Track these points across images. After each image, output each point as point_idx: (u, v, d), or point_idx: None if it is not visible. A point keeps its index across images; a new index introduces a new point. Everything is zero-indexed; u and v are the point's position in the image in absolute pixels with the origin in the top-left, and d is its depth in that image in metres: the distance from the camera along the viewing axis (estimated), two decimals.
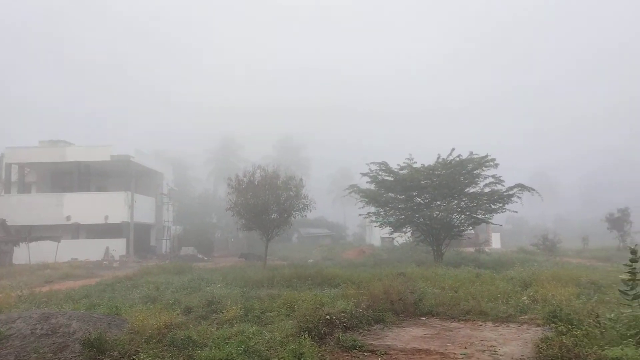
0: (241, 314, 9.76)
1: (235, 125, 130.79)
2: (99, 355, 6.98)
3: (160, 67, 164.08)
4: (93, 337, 7.27)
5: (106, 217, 35.14)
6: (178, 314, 9.50)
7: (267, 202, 22.90)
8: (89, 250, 32.56)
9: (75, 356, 7.10)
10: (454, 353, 7.29)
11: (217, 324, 9.20)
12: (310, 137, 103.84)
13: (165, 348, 7.29)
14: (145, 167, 39.36)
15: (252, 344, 7.16)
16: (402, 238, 34.35)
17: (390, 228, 26.98)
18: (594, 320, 7.82)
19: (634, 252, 6.79)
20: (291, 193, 23.54)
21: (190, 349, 7.18)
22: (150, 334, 7.83)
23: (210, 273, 18.60)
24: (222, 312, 9.86)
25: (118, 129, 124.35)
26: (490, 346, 7.65)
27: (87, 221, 35.33)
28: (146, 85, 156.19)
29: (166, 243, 42.02)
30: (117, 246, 34.10)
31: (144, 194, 39.54)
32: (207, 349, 7.08)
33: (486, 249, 35.68)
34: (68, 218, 34.91)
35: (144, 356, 6.65)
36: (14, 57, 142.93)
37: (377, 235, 49.48)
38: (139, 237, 37.87)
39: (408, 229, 28.06)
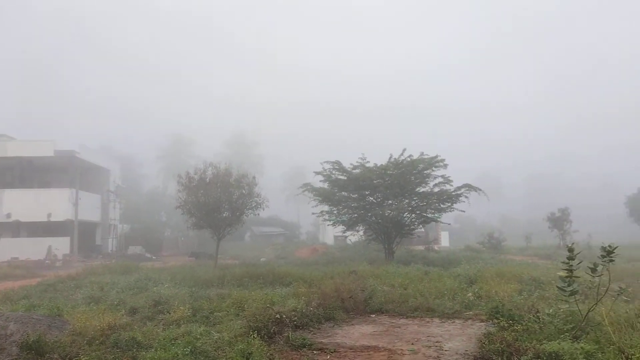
0: (189, 314, 9.58)
1: (187, 121, 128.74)
2: (37, 358, 6.69)
3: (107, 59, 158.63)
4: (32, 339, 6.96)
5: (49, 215, 33.74)
6: (123, 315, 9.24)
7: (218, 200, 22.59)
8: (31, 250, 31.17)
9: (13, 359, 6.78)
10: (402, 349, 7.42)
11: (163, 324, 9.00)
12: (264, 135, 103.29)
13: (109, 350, 7.07)
14: (91, 163, 38.01)
15: (200, 344, 7.04)
16: (355, 236, 34.68)
17: (343, 227, 27.23)
18: (533, 316, 8.13)
19: (571, 250, 7.10)
20: (244, 191, 23.33)
21: (134, 350, 6.99)
22: (93, 336, 7.58)
23: (158, 273, 18.18)
24: (169, 313, 9.64)
25: (63, 125, 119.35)
26: (437, 342, 7.84)
27: (29, 219, 33.80)
28: (97, 79, 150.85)
29: (112, 242, 40.75)
30: (61, 245, 32.78)
31: (90, 191, 38.21)
32: (153, 350, 6.90)
33: (435, 247, 36.60)
34: (8, 215, 33.31)
35: (86, 358, 6.44)
36: None
37: (331, 233, 49.77)
38: (84, 235, 36.61)
39: (360, 228, 28.38)
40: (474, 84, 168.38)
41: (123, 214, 43.28)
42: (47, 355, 6.73)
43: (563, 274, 7.22)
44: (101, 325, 7.90)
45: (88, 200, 37.05)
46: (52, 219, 33.84)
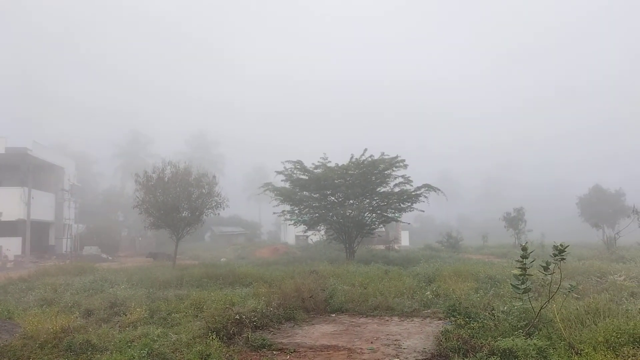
0: (146, 315, 9.39)
1: (147, 120, 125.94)
2: None
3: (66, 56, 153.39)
4: None
5: None
6: (77, 317, 8.97)
7: (177, 200, 22.19)
8: None
9: None
10: (361, 348, 7.48)
11: (119, 326, 8.78)
12: (225, 137, 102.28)
13: (62, 353, 6.87)
14: (44, 161, 36.65)
15: (157, 346, 6.92)
16: (316, 236, 34.80)
17: (305, 226, 27.24)
18: (489, 313, 8.36)
19: (524, 249, 7.32)
20: (204, 190, 23.00)
21: (89, 353, 6.82)
22: (45, 339, 7.34)
23: (114, 274, 17.72)
24: (126, 315, 9.42)
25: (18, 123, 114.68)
26: (395, 340, 7.94)
27: None
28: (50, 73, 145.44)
29: (67, 242, 39.42)
30: (12, 245, 31.49)
31: (43, 190, 36.83)
32: (108, 353, 6.75)
33: (396, 247, 37.07)
34: None
35: None
36: None
37: (292, 233, 49.75)
38: (37, 235, 35.29)
39: (322, 227, 28.49)
40: (435, 92, 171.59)
41: (78, 213, 41.92)
42: None
43: (517, 272, 7.44)
44: (54, 328, 7.64)
45: (41, 199, 35.72)
46: (3, 218, 32.46)
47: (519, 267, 7.35)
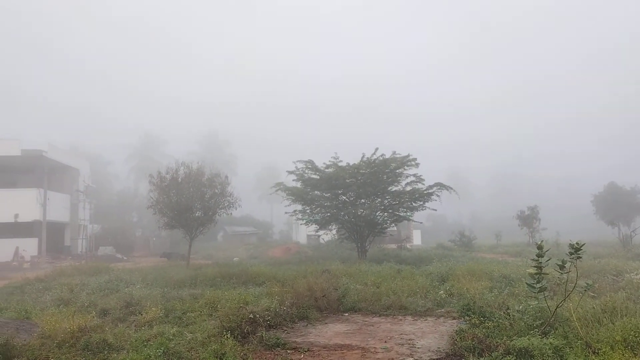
0: (161, 315, 9.46)
1: (160, 120, 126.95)
2: None
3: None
4: None
5: (16, 216, 32.80)
6: (93, 317, 9.05)
7: (190, 200, 22.36)
8: None
9: None
10: (375, 347, 7.48)
11: (135, 326, 8.87)
12: (236, 134, 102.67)
13: (79, 352, 6.95)
14: (60, 163, 37.08)
15: (173, 345, 6.98)
16: (328, 235, 34.79)
17: (316, 226, 27.26)
18: (504, 313, 8.30)
19: (540, 247, 7.26)
20: (216, 191, 23.15)
21: (106, 352, 6.89)
22: (63, 338, 7.42)
23: (129, 273, 17.89)
24: (141, 314, 9.51)
25: (29, 115, 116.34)
26: (409, 339, 7.92)
27: None
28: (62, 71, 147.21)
29: (82, 243, 39.88)
30: (28, 246, 31.89)
31: (58, 191, 37.26)
32: (124, 352, 6.82)
33: (408, 246, 36.94)
34: None
35: None
36: None
37: (304, 232, 49.80)
38: (53, 236, 35.70)
39: (333, 227, 28.48)
40: (445, 87, 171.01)
41: (93, 214, 42.34)
42: (16, 358, 6.59)
43: (532, 271, 7.39)
44: (71, 328, 7.73)
45: (57, 200, 36.14)
46: (20, 219, 32.92)
47: (535, 266, 7.30)
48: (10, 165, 35.68)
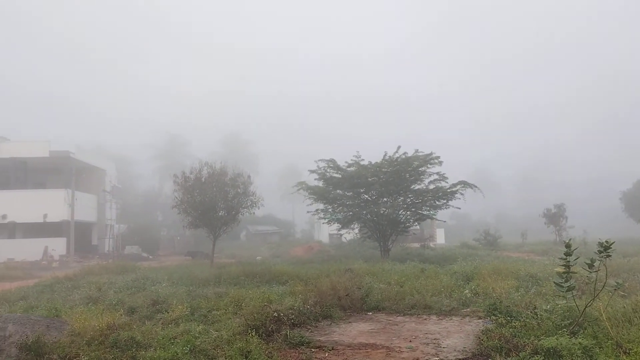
0: (187, 313, 9.57)
1: (183, 116, 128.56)
2: (37, 359, 6.67)
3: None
4: (31, 340, 6.95)
5: (45, 216, 33.61)
6: (121, 315, 9.19)
7: (214, 200, 22.57)
8: (27, 250, 31.00)
9: None
10: (399, 347, 7.44)
11: (162, 323, 8.98)
12: (259, 134, 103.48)
13: (108, 350, 7.06)
14: (87, 164, 37.87)
15: (199, 343, 7.05)
16: (350, 234, 34.76)
17: (338, 224, 27.24)
18: (531, 312, 8.18)
19: (568, 246, 7.14)
20: (239, 190, 23.31)
21: (134, 350, 6.98)
22: (92, 336, 7.54)
23: (155, 272, 18.16)
24: (168, 312, 9.62)
25: (57, 118, 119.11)
26: (434, 339, 7.86)
27: (25, 220, 33.64)
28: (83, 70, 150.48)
29: (109, 242, 40.60)
30: (57, 246, 32.67)
31: (86, 192, 38.06)
32: (152, 349, 6.91)
33: (431, 245, 36.65)
34: (4, 217, 33.14)
35: (85, 359, 6.43)
36: None
37: (326, 231, 49.80)
38: (80, 236, 36.46)
39: (356, 226, 28.43)
40: (470, 79, 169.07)
41: (119, 213, 43.10)
42: (47, 356, 6.72)
43: (560, 270, 7.27)
44: (100, 325, 7.86)
45: (84, 200, 36.91)
46: (48, 219, 33.71)
47: (563, 265, 7.18)
48: (39, 166, 36.59)
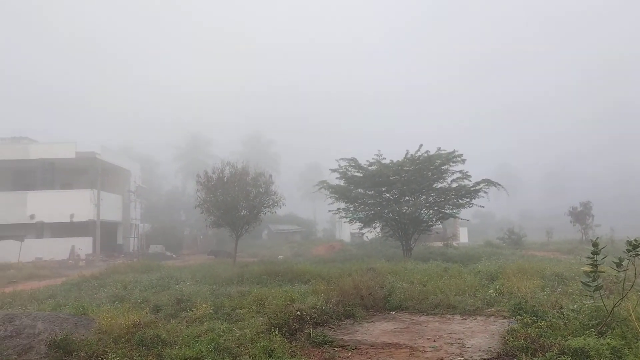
0: (211, 311, 9.66)
1: (204, 114, 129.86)
2: (65, 356, 6.82)
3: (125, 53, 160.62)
4: (59, 337, 7.10)
5: (71, 216, 34.30)
6: (147, 313, 9.32)
7: (236, 199, 22.76)
8: (54, 250, 31.71)
9: (41, 357, 6.93)
10: (423, 346, 7.40)
11: (186, 322, 9.09)
12: (281, 126, 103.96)
13: (134, 347, 7.17)
14: (112, 164, 38.52)
15: (223, 341, 7.12)
16: (372, 233, 34.62)
17: (360, 223, 27.18)
18: (557, 312, 8.05)
19: (595, 244, 7.01)
20: (261, 189, 23.47)
21: (159, 347, 7.08)
22: (119, 334, 7.67)
23: (179, 271, 18.38)
24: (192, 310, 9.74)
25: (81, 120, 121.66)
26: (458, 339, 7.79)
27: (52, 220, 34.40)
28: (107, 71, 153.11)
29: (134, 241, 41.28)
30: (83, 245, 33.32)
31: (111, 192, 38.72)
32: (177, 347, 6.99)
33: (454, 243, 36.33)
34: (32, 217, 33.91)
35: (112, 356, 6.52)
36: None
37: (347, 230, 49.73)
38: (106, 235, 37.09)
39: (377, 225, 28.30)
40: (495, 80, 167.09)
41: (144, 213, 43.80)
42: (75, 353, 6.85)
43: (587, 269, 7.14)
44: (126, 323, 7.99)
45: (109, 200, 37.56)
46: (75, 219, 34.38)
47: (590, 264, 7.05)
48: (66, 167, 37.35)
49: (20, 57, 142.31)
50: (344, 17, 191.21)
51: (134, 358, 6.57)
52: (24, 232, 31.63)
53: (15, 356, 6.90)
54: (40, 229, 34.30)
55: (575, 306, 7.98)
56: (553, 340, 6.52)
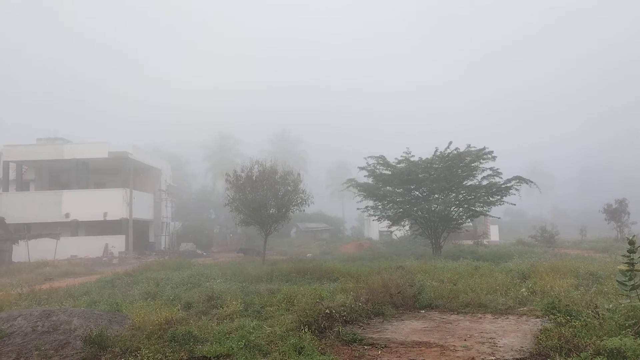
0: (241, 308, 9.77)
1: (232, 113, 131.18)
2: (100, 352, 6.99)
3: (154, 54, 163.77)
4: (94, 333, 7.29)
5: (105, 214, 35.11)
6: (178, 310, 9.47)
7: (265, 197, 22.92)
8: (89, 247, 32.54)
9: (77, 353, 7.12)
10: (454, 345, 7.32)
11: (217, 319, 9.22)
12: (308, 124, 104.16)
13: (167, 344, 7.29)
14: (143, 164, 39.29)
15: (253, 338, 7.19)
16: (401, 231, 34.44)
17: (389, 221, 27.05)
18: (592, 311, 7.85)
19: (631, 242, 6.82)
20: (289, 188, 23.57)
21: (191, 344, 7.19)
22: (151, 330, 7.82)
23: (209, 268, 18.61)
24: (222, 307, 9.87)
25: (113, 122, 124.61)
26: (490, 338, 7.69)
27: (86, 218, 35.29)
28: (139, 73, 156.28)
29: (165, 239, 42.05)
30: (117, 243, 34.09)
31: (143, 191, 39.48)
32: (208, 344, 7.10)
33: (484, 242, 35.81)
34: (67, 215, 34.85)
35: (146, 352, 6.65)
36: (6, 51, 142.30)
37: (376, 228, 49.55)
38: (138, 233, 37.85)
39: (406, 223, 28.14)
40: (521, 76, 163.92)
41: (174, 212, 44.49)
42: (109, 348, 7.02)
43: (623, 267, 6.96)
44: (159, 320, 8.14)
45: (141, 199, 38.29)
46: (108, 217, 35.18)
47: (626, 263, 6.86)
48: (99, 166, 38.26)
49: (52, 63, 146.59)
50: (364, 14, 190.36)
51: (167, 354, 6.68)
52: (59, 230, 32.49)
53: (52, 351, 7.11)
54: (75, 228, 35.21)
55: (610, 306, 7.77)
56: (588, 341, 6.37)
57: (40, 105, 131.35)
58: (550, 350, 6.36)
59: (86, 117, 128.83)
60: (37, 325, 7.75)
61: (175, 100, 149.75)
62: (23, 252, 27.96)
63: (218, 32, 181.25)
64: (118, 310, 9.82)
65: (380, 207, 26.85)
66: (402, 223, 27.73)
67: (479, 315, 9.64)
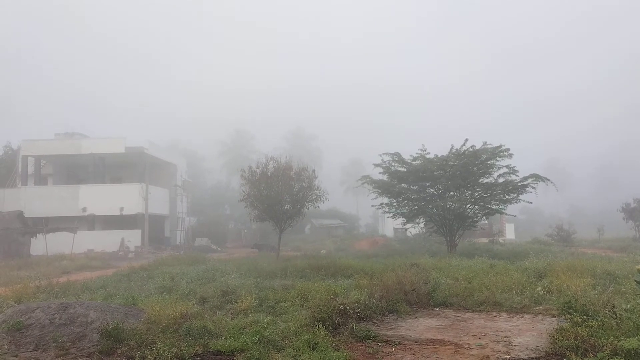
0: (255, 304, 9.84)
1: (247, 110, 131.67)
2: (116, 345, 7.09)
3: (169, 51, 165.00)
4: (111, 326, 7.40)
5: (121, 209, 35.49)
6: (193, 304, 9.58)
7: (280, 194, 22.97)
8: (105, 242, 32.94)
9: (94, 345, 7.23)
10: (469, 343, 7.28)
11: (232, 314, 9.28)
12: (322, 121, 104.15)
13: (182, 337, 7.38)
14: (159, 159, 39.62)
15: (267, 333, 7.23)
16: (415, 229, 34.30)
17: (403, 219, 26.95)
18: (609, 311, 7.75)
19: None
20: (304, 184, 23.58)
21: (206, 338, 7.26)
22: (167, 324, 7.92)
23: (224, 264, 18.75)
24: (237, 303, 9.94)
25: (130, 117, 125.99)
26: (505, 337, 7.63)
27: (103, 212, 35.73)
28: (153, 70, 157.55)
29: (180, 234, 42.40)
30: (133, 237, 34.45)
31: (158, 186, 39.83)
32: (223, 338, 7.16)
33: (500, 240, 35.50)
34: (84, 209, 35.32)
35: (161, 345, 6.72)
36: (22, 47, 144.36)
37: (390, 226, 49.45)
38: (154, 228, 38.20)
39: (421, 220, 28.01)
40: (539, 73, 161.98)
41: (190, 207, 44.80)
42: (125, 341, 7.11)
43: None
44: (174, 314, 8.23)
45: (157, 194, 38.63)
46: (124, 212, 35.56)
47: None
48: (115, 161, 38.68)
49: (72, 61, 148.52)
50: (376, 8, 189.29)
51: (182, 348, 6.74)
52: (76, 224, 32.93)
53: (70, 343, 7.23)
54: (91, 222, 35.67)
55: (628, 306, 7.67)
56: (605, 341, 6.29)
57: (60, 102, 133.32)
58: (566, 350, 6.29)
59: (106, 115, 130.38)
60: (55, 318, 7.88)
61: (193, 97, 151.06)
62: (41, 245, 28.40)
63: (238, 31, 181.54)
64: (134, 304, 9.93)
65: (395, 204, 26.75)
66: (417, 220, 27.61)
67: (494, 314, 9.57)
